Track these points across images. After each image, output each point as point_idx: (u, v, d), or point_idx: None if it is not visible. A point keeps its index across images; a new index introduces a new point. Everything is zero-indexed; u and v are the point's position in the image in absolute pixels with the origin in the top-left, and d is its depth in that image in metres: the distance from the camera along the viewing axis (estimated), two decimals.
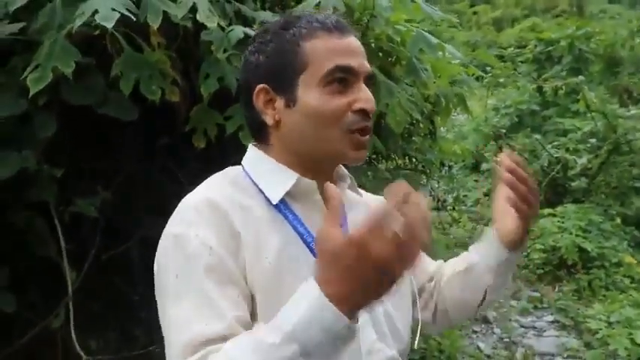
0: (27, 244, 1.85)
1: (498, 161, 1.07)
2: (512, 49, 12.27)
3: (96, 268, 1.96)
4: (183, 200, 0.96)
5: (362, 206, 1.11)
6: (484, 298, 1.18)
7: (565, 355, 4.15)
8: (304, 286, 0.75)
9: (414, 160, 4.19)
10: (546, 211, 6.52)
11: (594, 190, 6.92)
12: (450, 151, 5.87)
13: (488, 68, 9.07)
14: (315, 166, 1.00)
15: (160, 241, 0.93)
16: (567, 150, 7.26)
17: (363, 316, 0.89)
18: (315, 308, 0.72)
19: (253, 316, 0.88)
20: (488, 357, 4.22)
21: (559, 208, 6.43)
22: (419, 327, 1.14)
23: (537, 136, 7.69)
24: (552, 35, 10.15)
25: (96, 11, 1.52)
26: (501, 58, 11.57)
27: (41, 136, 1.70)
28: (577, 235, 5.72)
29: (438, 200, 6.65)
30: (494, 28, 25.87)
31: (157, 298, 0.91)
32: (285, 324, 0.73)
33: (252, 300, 0.89)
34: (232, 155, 2.15)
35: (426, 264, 1.27)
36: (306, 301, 0.73)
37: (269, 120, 0.99)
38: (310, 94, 0.95)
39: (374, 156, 2.89)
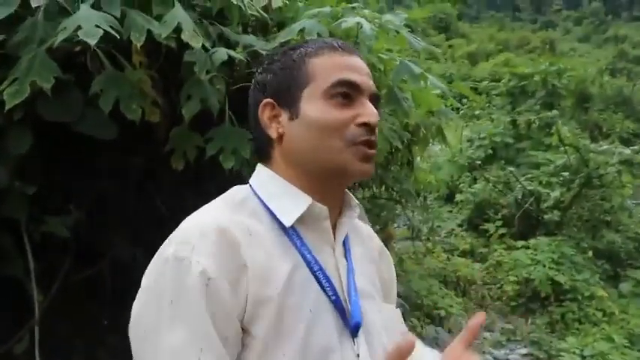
0: None
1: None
2: (486, 82, 12.54)
3: (64, 291, 1.89)
4: (190, 219, 0.91)
5: (365, 239, 1.10)
6: None
7: None
8: None
9: (390, 189, 4.21)
10: (519, 243, 6.59)
11: (566, 223, 7.04)
12: (426, 181, 5.92)
13: (464, 100, 9.24)
14: (321, 186, 0.96)
15: (157, 256, 0.88)
16: (540, 183, 7.39)
17: None
18: None
19: (244, 347, 0.85)
20: None
21: (532, 241, 6.51)
22: None
23: (511, 169, 7.81)
24: (526, 70, 10.43)
25: (79, 27, 1.49)
26: (476, 90, 11.81)
27: (15, 152, 1.65)
28: (550, 268, 5.78)
29: (413, 230, 6.68)
30: (468, 62, 26.47)
31: (139, 314, 0.86)
32: None
33: (246, 333, 0.85)
34: (210, 179, 2.14)
35: None
36: None
37: (273, 133, 0.97)
38: (313, 106, 0.94)
39: (349, 186, 2.88)
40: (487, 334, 5.11)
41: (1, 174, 1.61)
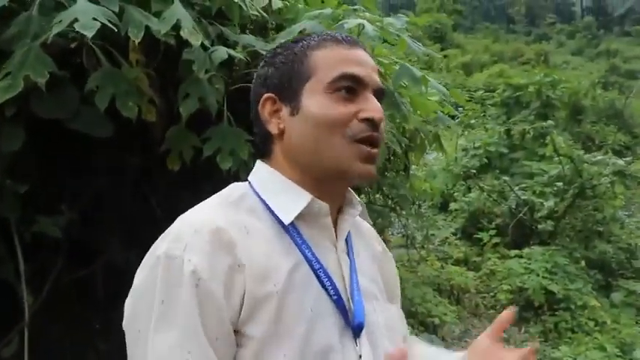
0: None
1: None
2: (481, 92, 12.57)
3: (55, 293, 1.84)
4: (184, 217, 0.88)
5: (366, 236, 1.07)
6: None
7: None
8: None
9: (387, 196, 4.18)
10: (513, 252, 6.59)
11: (560, 232, 7.05)
12: (421, 189, 5.90)
13: (459, 109, 9.24)
14: (321, 184, 0.93)
15: (150, 254, 0.85)
16: (534, 193, 7.40)
17: None
18: None
19: (240, 346, 0.82)
20: None
21: (525, 250, 6.51)
22: None
23: (505, 178, 7.82)
24: (521, 81, 10.46)
25: (75, 20, 1.45)
26: (471, 100, 11.84)
27: (6, 149, 1.60)
28: (543, 277, 5.78)
29: (408, 238, 6.65)
30: (463, 72, 26.60)
31: (131, 313, 0.84)
32: None
33: (241, 333, 0.82)
34: (206, 180, 2.10)
35: None
36: None
37: (273, 129, 0.94)
38: (314, 101, 0.90)
39: None
40: None
41: None
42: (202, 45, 1.77)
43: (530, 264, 6.12)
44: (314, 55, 0.93)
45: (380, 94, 0.95)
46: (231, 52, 1.80)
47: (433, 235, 7.93)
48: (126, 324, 0.84)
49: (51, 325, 1.90)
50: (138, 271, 0.86)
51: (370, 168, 0.92)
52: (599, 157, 7.13)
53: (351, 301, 0.90)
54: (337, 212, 0.97)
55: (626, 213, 8.08)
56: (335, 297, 0.88)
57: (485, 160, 8.82)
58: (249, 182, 0.96)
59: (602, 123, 13.61)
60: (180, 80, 1.83)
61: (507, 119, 9.83)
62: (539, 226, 7.11)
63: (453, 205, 8.65)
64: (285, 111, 0.93)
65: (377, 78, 0.95)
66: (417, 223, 6.76)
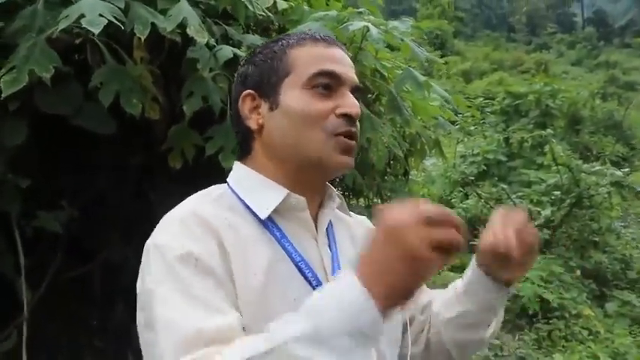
0: None
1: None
2: (480, 100, 12.59)
3: (54, 289, 1.83)
4: (168, 214, 0.90)
5: (352, 228, 1.08)
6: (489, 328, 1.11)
7: None
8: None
9: (386, 200, 4.17)
10: None
11: (556, 241, 7.05)
12: (419, 194, 5.91)
13: (459, 116, 9.26)
14: (301, 177, 0.95)
15: (143, 255, 0.87)
16: (531, 201, 7.40)
17: None
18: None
19: None
20: None
21: None
22: None
23: (503, 186, 7.83)
24: (520, 89, 10.48)
25: (82, 15, 1.45)
26: (470, 107, 11.84)
27: (9, 144, 1.60)
28: (539, 286, 5.78)
29: None
30: (463, 79, 26.66)
31: (140, 317, 0.84)
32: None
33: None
34: (207, 179, 2.10)
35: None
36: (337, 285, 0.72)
37: (252, 124, 0.96)
38: (293, 96, 0.93)
39: (345, 193, 2.85)
40: None
41: None
42: (207, 44, 1.77)
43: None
44: (293, 52, 0.96)
45: (356, 90, 0.98)
46: (237, 51, 1.80)
47: None
48: (139, 325, 0.84)
49: (48, 321, 1.90)
50: (138, 276, 0.87)
51: (348, 159, 0.94)
52: (597, 168, 7.13)
53: None
54: (319, 207, 1.00)
55: (622, 224, 8.09)
56: (317, 287, 0.89)
57: (484, 168, 8.82)
58: (227, 183, 0.99)
59: (600, 134, 13.65)
60: (184, 78, 1.83)
61: (506, 127, 9.84)
62: None
63: None
64: (264, 107, 0.96)
65: (354, 75, 0.98)
66: None
